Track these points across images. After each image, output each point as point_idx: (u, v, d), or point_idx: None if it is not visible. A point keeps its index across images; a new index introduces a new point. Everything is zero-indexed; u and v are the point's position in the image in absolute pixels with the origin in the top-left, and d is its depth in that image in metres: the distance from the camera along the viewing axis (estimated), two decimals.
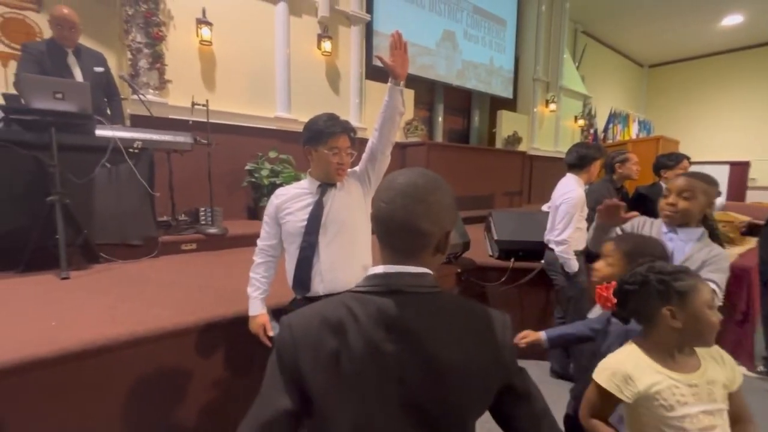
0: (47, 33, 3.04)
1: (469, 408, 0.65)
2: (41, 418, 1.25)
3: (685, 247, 1.43)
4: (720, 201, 3.86)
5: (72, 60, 2.77)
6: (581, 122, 8.66)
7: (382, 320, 0.62)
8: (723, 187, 5.92)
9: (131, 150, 2.55)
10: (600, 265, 1.29)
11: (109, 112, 3.00)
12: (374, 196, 0.72)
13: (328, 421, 0.62)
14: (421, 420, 0.62)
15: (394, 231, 0.66)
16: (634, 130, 10.69)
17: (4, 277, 2.13)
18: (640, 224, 1.59)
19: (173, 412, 1.50)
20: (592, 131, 9.25)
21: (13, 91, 2.50)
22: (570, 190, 2.21)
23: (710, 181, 1.64)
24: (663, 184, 2.81)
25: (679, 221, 1.45)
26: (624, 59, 11.34)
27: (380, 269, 0.67)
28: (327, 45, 4.65)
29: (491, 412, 0.71)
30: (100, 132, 2.45)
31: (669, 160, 2.79)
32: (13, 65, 3.28)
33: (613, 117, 10.02)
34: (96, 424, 1.34)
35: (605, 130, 10.04)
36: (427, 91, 6.78)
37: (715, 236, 1.47)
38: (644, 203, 2.78)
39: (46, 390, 1.25)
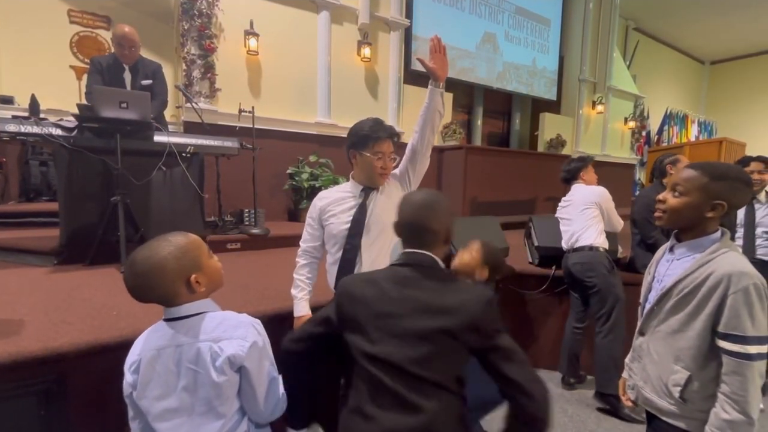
0: None
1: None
2: (91, 399, 1.37)
3: None
4: None
5: (127, 75, 3.00)
6: (632, 124, 8.15)
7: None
8: None
9: (184, 154, 2.73)
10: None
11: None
12: (398, 208, 1.01)
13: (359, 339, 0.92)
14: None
15: (414, 231, 0.99)
16: (693, 132, 9.91)
17: (76, 269, 2.37)
18: None
19: None
20: (644, 133, 8.68)
21: (86, 101, 2.78)
22: (593, 188, 2.35)
23: None
24: None
25: None
26: (682, 56, 10.56)
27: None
28: (367, 51, 4.74)
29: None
30: (157, 138, 2.65)
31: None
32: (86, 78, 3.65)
33: (668, 118, 9.35)
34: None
35: (660, 132, 9.39)
36: (466, 94, 6.70)
37: None
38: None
39: (102, 371, 1.37)
